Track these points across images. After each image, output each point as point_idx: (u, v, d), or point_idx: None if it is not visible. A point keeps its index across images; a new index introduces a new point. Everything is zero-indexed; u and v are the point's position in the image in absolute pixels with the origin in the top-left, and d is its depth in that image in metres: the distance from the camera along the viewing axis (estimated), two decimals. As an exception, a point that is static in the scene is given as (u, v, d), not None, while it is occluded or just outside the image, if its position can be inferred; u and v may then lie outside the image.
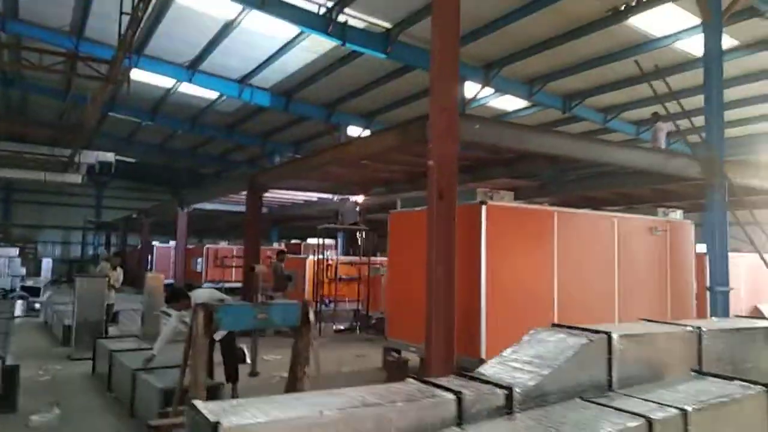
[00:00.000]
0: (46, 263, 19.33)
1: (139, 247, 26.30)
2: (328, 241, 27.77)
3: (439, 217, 6.34)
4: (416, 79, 16.86)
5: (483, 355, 6.83)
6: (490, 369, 3.22)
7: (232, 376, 6.45)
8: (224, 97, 20.34)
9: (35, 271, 21.33)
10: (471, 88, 15.78)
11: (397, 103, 19.52)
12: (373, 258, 14.22)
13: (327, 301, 13.79)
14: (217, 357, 6.60)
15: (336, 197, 11.92)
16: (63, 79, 20.73)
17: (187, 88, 19.74)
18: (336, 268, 13.89)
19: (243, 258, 12.57)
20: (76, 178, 22.21)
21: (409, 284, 8.28)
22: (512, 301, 7.17)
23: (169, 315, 8.35)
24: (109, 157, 24.24)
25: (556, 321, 7.61)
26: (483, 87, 15.75)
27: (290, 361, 5.08)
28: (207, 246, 22.37)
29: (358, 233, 13.34)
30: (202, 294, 6.58)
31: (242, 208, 18.32)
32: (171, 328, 6.33)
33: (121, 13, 10.76)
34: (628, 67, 14.58)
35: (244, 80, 18.57)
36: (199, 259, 22.38)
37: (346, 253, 19.02)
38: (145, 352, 7.15)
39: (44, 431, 5.47)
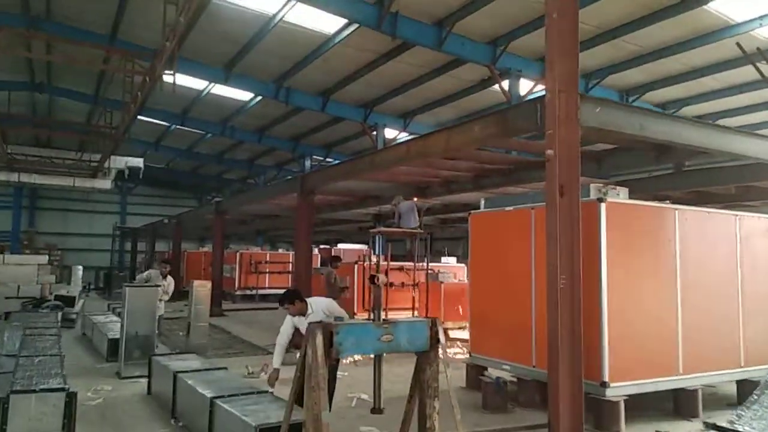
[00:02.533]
0: (78, 271, 18.62)
1: (169, 253, 25.65)
2: (359, 246, 27.04)
3: (561, 217, 5.40)
4: (464, 74, 16.06)
5: (605, 378, 5.87)
6: None
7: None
8: (258, 99, 19.63)
9: (64, 280, 20.68)
10: (524, 85, 14.84)
11: (436, 103, 18.70)
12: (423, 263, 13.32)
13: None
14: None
15: (396, 200, 10.99)
16: (92, 82, 20.23)
17: (221, 90, 19.07)
18: (387, 274, 12.96)
19: (295, 265, 11.69)
20: (106, 184, 21.63)
21: (498, 293, 7.36)
22: (635, 316, 6.21)
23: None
24: (138, 162, 23.70)
25: (680, 339, 6.66)
26: (537, 83, 14.79)
27: (412, 394, 4.17)
28: (240, 251, 21.58)
29: (412, 237, 12.41)
30: (320, 304, 5.80)
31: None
32: (285, 336, 5.58)
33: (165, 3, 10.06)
34: (695, 57, 13.62)
35: (280, 80, 17.83)
36: (230, 266, 21.64)
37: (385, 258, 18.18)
38: (215, 372, 6.33)
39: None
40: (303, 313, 5.71)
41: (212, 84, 18.63)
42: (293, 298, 5.74)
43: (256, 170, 30.79)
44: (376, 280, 4.15)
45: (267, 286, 21.54)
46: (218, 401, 5.01)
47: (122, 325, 8.26)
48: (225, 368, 6.55)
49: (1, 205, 32.40)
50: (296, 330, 5.84)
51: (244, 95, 19.60)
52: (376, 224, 20.06)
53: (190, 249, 24.61)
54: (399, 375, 8.47)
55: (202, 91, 19.48)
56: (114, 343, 8.87)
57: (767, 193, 11.36)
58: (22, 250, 27.83)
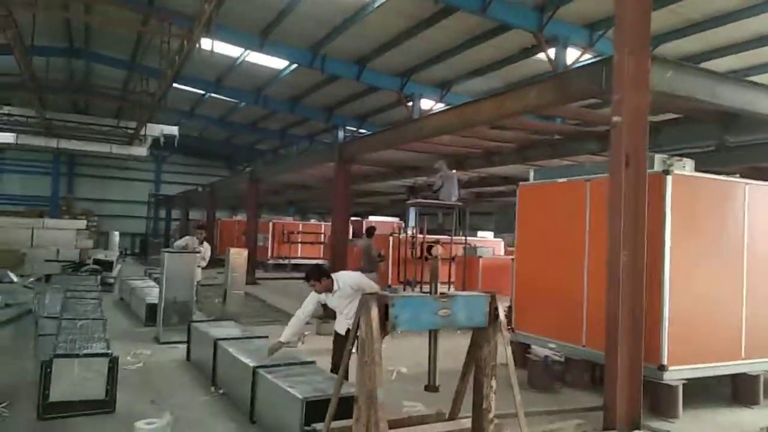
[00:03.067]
0: (115, 236, 18.88)
1: (202, 221, 25.88)
2: (390, 219, 26.80)
3: (626, 189, 5.03)
4: (505, 43, 15.44)
5: (664, 361, 5.54)
6: None
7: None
8: (292, 67, 19.36)
9: (102, 245, 21.04)
10: (570, 54, 14.16)
11: (474, 73, 18.08)
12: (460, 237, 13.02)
13: (413, 283, 12.65)
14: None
15: (439, 164, 10.63)
16: (129, 48, 20.20)
17: (256, 58, 18.86)
18: (422, 247, 12.69)
19: (332, 237, 11.51)
20: (142, 151, 21.75)
21: (547, 269, 7.03)
22: (698, 296, 5.83)
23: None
24: (174, 130, 23.72)
25: (744, 321, 6.26)
26: (584, 52, 14.11)
27: (465, 372, 3.93)
28: (273, 221, 21.57)
29: (450, 210, 12.09)
30: (347, 280, 5.49)
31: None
32: (306, 312, 5.34)
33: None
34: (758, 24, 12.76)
35: (316, 47, 17.48)
36: (263, 235, 21.68)
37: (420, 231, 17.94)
38: (256, 341, 6.21)
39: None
40: (329, 289, 5.39)
41: (247, 51, 18.43)
42: (319, 275, 5.39)
43: (289, 140, 30.64)
44: (432, 252, 3.88)
45: (299, 255, 21.53)
46: (261, 371, 4.86)
47: (161, 291, 8.23)
48: (266, 337, 6.42)
49: (40, 171, 33.16)
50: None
51: (278, 63, 19.34)
52: (410, 196, 19.76)
53: (223, 217, 24.72)
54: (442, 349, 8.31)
55: (237, 58, 19.28)
56: (152, 308, 8.86)
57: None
58: (60, 215, 28.41)
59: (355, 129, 25.76)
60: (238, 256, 10.70)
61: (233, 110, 26.40)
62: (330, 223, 22.94)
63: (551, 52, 13.73)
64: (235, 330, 6.79)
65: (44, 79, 18.29)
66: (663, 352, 5.52)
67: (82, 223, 19.16)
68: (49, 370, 4.01)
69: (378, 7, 14.05)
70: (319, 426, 3.86)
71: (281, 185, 21.39)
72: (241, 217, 26.47)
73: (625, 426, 4.90)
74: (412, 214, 19.70)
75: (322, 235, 22.03)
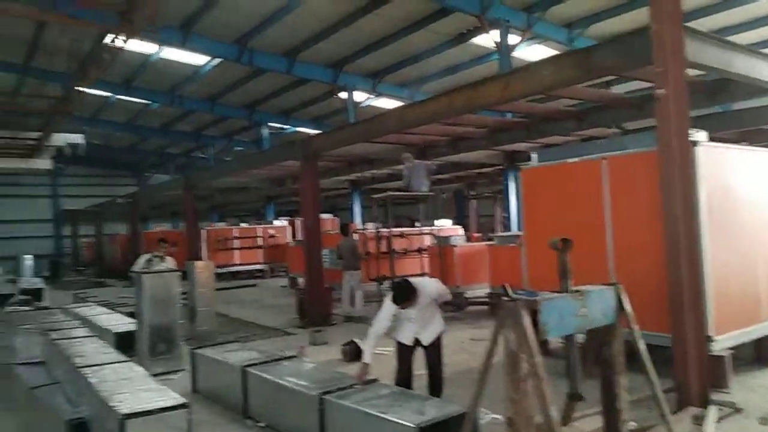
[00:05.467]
0: (27, 261, 16.79)
1: (121, 235, 23.90)
2: (325, 216, 26.18)
3: (680, 162, 4.98)
4: (443, 28, 15.34)
5: (711, 332, 5.59)
6: None
7: (437, 390, 4.92)
8: (213, 63, 18.12)
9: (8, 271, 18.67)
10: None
11: (409, 60, 17.89)
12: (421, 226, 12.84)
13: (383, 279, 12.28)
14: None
15: (406, 159, 10.31)
16: (20, 52, 17.96)
17: (172, 54, 17.43)
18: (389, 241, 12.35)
19: (304, 236, 10.83)
20: (47, 164, 19.50)
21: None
22: (734, 264, 5.95)
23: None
24: (79, 138, 21.47)
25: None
26: (524, 35, 14.31)
27: (589, 368, 3.66)
28: (206, 228, 20.26)
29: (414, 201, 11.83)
30: (430, 287, 4.93)
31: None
32: (384, 327, 4.76)
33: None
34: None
35: (243, 40, 16.44)
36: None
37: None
38: (285, 363, 5.57)
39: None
40: (415, 303, 4.81)
41: (162, 48, 16.98)
42: (409, 293, 4.73)
43: (204, 142, 28.93)
44: (560, 245, 3.54)
45: (237, 262, 20.40)
46: (329, 398, 4.30)
47: (140, 318, 7.24)
48: (293, 357, 5.79)
49: None
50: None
51: (197, 59, 18.01)
52: (353, 191, 19.32)
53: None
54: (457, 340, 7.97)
55: (151, 55, 17.73)
56: (122, 338, 7.82)
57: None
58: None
59: (279, 125, 24.77)
60: (204, 270, 9.78)
61: (142, 113, 24.43)
62: (264, 227, 22.17)
63: (494, 35, 13.80)
64: (249, 353, 6.07)
65: None
66: (709, 323, 5.56)
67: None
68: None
69: (313, -6, 13.43)
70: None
71: (213, 190, 20.12)
72: (163, 227, 24.71)
73: (697, 403, 4.87)
74: (357, 208, 19.29)
75: (260, 239, 21.01)
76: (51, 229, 33.96)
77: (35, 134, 18.79)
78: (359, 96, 19.48)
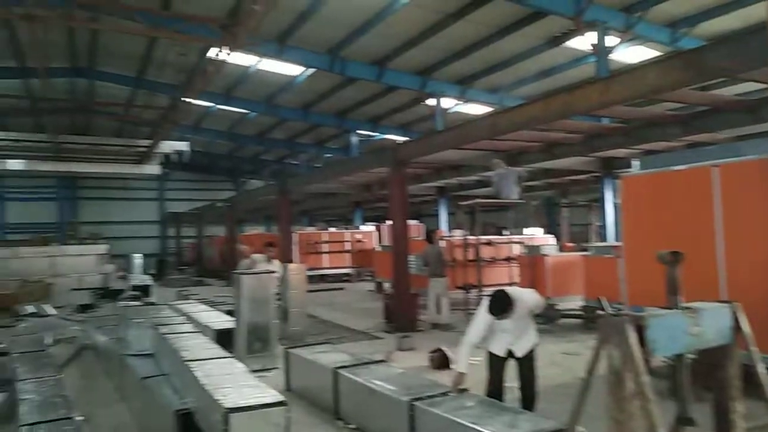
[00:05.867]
0: (137, 259, 18.21)
1: (219, 237, 25.34)
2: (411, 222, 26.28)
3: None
4: (536, 32, 14.98)
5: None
6: None
7: (530, 404, 4.80)
8: (307, 73, 18.74)
9: (120, 269, 20.27)
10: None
11: (499, 65, 17.62)
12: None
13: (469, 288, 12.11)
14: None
15: (495, 165, 10.16)
16: (134, 65, 19.52)
17: (269, 65, 18.23)
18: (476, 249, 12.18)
19: (391, 242, 10.95)
20: (155, 169, 21.06)
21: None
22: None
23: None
24: (184, 146, 23.09)
25: None
26: (623, 37, 13.66)
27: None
28: (297, 231, 20.98)
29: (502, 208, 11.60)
30: (528, 298, 4.84)
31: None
32: (479, 337, 4.71)
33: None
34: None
35: (335, 50, 16.93)
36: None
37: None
38: (373, 366, 5.65)
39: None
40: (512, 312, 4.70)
41: (260, 60, 17.81)
42: (509, 305, 4.58)
43: (296, 149, 30.03)
44: (669, 258, 3.34)
45: (326, 266, 20.95)
46: (420, 405, 4.31)
47: (238, 316, 7.64)
48: (383, 361, 5.87)
49: (43, 197, 32.34)
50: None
51: (292, 70, 18.73)
52: (439, 198, 19.30)
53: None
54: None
55: (249, 67, 18.64)
56: (221, 335, 8.23)
57: None
58: (67, 241, 27.64)
59: (368, 133, 25.23)
60: (297, 272, 10.12)
61: (240, 121, 25.73)
62: (352, 231, 22.65)
63: (591, 36, 13.29)
64: (340, 355, 6.22)
65: (47, 100, 17.61)
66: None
67: (103, 248, 18.42)
68: (225, 428, 3.43)
69: (403, 5, 13.56)
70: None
71: (305, 195, 20.83)
72: (257, 230, 25.88)
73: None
74: (443, 215, 19.22)
75: (348, 243, 21.47)
76: (157, 230, 36.62)
77: (146, 142, 20.42)
78: (447, 102, 19.41)
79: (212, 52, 12.01)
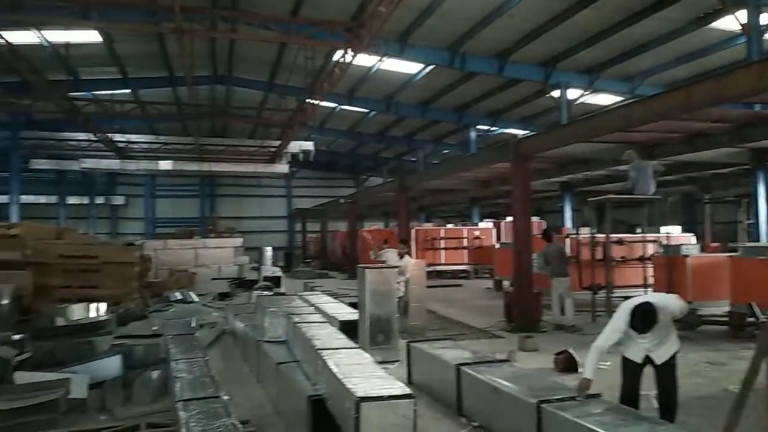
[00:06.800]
0: (268, 252, 19.50)
1: (342, 231, 26.44)
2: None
3: None
4: (672, 15, 13.81)
5: None
6: None
7: (670, 414, 4.47)
8: (426, 70, 18.82)
9: (253, 260, 21.80)
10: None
11: (630, 53, 16.48)
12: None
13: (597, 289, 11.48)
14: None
15: (629, 157, 9.54)
16: (267, 69, 20.83)
17: (390, 64, 18.54)
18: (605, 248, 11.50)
19: (513, 240, 10.70)
20: (284, 168, 22.39)
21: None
22: None
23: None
24: (310, 146, 24.31)
25: None
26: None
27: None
28: (415, 227, 21.21)
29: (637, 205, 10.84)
30: (673, 305, 4.52)
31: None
32: (610, 344, 4.46)
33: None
34: None
35: (455, 46, 16.86)
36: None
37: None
38: (496, 366, 5.57)
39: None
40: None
41: (381, 60, 18.15)
42: (652, 322, 4.22)
43: (414, 145, 30.33)
44: None
45: (443, 262, 20.95)
46: (548, 407, 4.18)
47: (362, 308, 7.90)
48: (506, 361, 5.79)
49: (188, 194, 35.93)
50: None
51: (412, 68, 18.91)
52: (563, 193, 18.49)
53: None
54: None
55: (371, 68, 19.08)
56: (346, 325, 8.53)
57: None
58: (207, 234, 30.28)
59: (487, 127, 24.82)
60: (417, 267, 10.24)
61: (361, 120, 26.48)
62: (469, 228, 22.42)
63: (741, 15, 12.00)
64: (462, 352, 6.20)
65: (192, 105, 19.34)
66: None
67: (239, 241, 19.95)
68: (356, 416, 3.61)
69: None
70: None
71: (423, 192, 21.00)
72: (377, 225, 26.55)
73: None
74: (567, 211, 18.41)
75: (465, 240, 21.30)
76: (285, 225, 39.05)
77: (276, 142, 21.78)
78: (573, 93, 18.53)
79: (337, 56, 12.49)
